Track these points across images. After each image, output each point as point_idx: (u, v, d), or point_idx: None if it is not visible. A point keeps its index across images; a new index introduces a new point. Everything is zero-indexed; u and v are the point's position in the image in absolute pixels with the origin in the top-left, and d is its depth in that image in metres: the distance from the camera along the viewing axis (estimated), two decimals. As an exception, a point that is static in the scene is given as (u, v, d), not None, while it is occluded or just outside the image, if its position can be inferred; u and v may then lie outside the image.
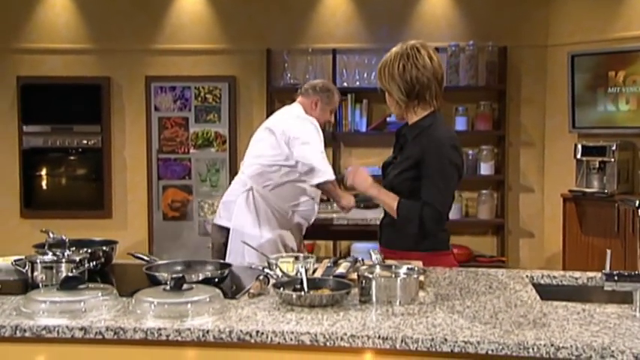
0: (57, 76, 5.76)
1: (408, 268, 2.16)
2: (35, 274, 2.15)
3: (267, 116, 5.75)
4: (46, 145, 5.82)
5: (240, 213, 3.62)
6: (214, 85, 5.77)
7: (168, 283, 1.95)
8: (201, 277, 2.12)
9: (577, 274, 2.48)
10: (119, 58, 5.82)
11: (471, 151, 5.73)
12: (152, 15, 5.81)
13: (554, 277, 2.46)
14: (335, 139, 5.78)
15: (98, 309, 1.89)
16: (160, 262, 2.33)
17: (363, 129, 5.75)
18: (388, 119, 5.69)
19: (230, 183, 5.70)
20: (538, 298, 2.12)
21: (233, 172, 5.80)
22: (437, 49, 5.66)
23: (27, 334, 1.78)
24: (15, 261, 2.26)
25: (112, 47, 5.81)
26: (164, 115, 5.78)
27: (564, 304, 2.04)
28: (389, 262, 2.31)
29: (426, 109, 2.52)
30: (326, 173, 3.55)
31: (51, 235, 2.55)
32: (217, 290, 1.98)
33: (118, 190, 5.84)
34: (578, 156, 5.29)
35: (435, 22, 5.83)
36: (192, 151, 5.78)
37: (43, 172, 5.89)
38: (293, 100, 6.02)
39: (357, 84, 5.77)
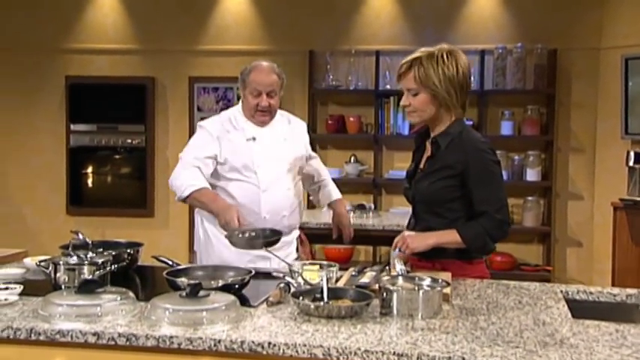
0: (103, 76, 5.86)
1: (431, 280, 2.09)
2: (58, 275, 2.16)
3: (309, 118, 5.74)
4: (92, 144, 5.93)
5: None
6: (257, 87, 5.76)
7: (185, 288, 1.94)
8: (221, 284, 2.08)
9: (615, 290, 2.36)
10: (164, 58, 5.88)
11: (517, 157, 5.58)
12: (197, 16, 5.85)
13: (591, 292, 2.34)
14: (377, 142, 5.71)
15: (114, 314, 1.89)
16: (182, 266, 2.31)
17: (406, 132, 5.66)
18: (432, 122, 5.59)
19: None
20: (569, 315, 2.02)
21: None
22: (483, 52, 5.69)
23: (41, 338, 1.78)
24: (40, 262, 2.28)
25: (157, 48, 5.88)
26: (206, 116, 5.71)
27: (597, 323, 1.93)
28: (414, 272, 2.24)
29: (450, 116, 2.43)
30: (177, 191, 2.89)
31: (80, 236, 2.58)
32: (234, 298, 1.95)
33: (161, 189, 5.90)
34: (631, 163, 5.07)
35: (482, 24, 5.69)
36: (233, 151, 5.78)
37: (89, 170, 6.01)
38: (334, 103, 6.03)
39: (399, 86, 5.66)
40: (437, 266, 2.47)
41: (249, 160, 2.96)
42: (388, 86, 5.69)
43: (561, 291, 2.32)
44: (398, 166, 5.76)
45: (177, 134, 5.87)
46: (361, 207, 4.64)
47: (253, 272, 2.20)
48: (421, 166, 2.54)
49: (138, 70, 5.87)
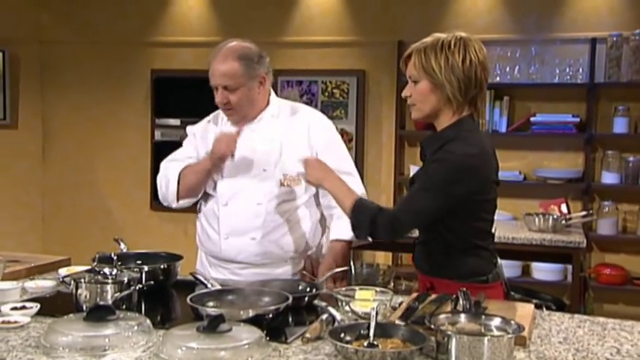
0: (188, 70, 5.74)
1: (502, 321, 1.70)
2: (79, 292, 1.95)
3: (397, 113, 5.36)
4: (176, 139, 5.82)
5: None
6: (342, 80, 5.46)
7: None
8: (251, 314, 1.79)
9: None
10: (247, 51, 5.68)
11: (632, 158, 4.96)
12: (281, 7, 5.61)
13: None
14: (470, 139, 5.25)
15: (122, 347, 1.65)
16: (213, 288, 2.04)
17: (503, 129, 5.17)
18: (533, 119, 5.08)
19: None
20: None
21: (359, 171, 5.44)
22: (594, 40, 5.10)
23: (35, 374, 1.57)
24: (64, 277, 2.09)
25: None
26: (289, 111, 5.56)
27: None
28: (477, 307, 1.86)
29: (452, 113, 2.07)
30: (165, 198, 2.59)
31: (122, 246, 2.39)
32: (260, 334, 1.65)
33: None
34: None
35: (594, 9, 5.10)
36: (316, 148, 5.51)
37: (173, 165, 5.91)
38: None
39: (497, 79, 5.19)
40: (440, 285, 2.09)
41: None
42: (484, 79, 5.22)
43: (673, 336, 1.87)
44: (494, 166, 5.29)
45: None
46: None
47: (291, 299, 1.90)
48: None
49: (221, 64, 5.70)
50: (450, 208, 2.02)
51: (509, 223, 4.55)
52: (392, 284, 2.74)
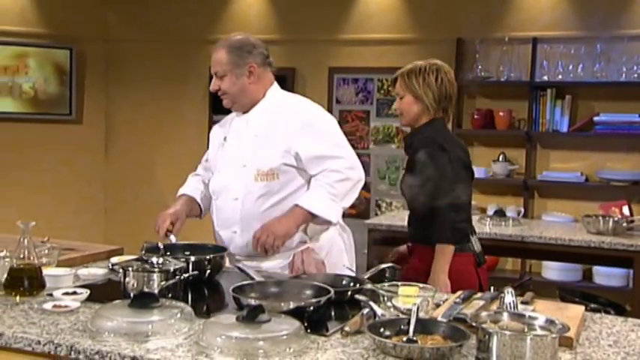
0: (245, 67, 5.81)
1: (547, 321, 1.65)
2: (127, 280, 2.00)
3: (454, 112, 5.27)
4: (233, 135, 5.90)
5: None
6: (399, 78, 5.42)
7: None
8: (292, 306, 1.80)
9: None
10: (304, 48, 5.71)
11: None
12: (339, 4, 5.61)
13: None
14: (529, 139, 5.13)
15: (164, 334, 1.68)
16: (257, 280, 2.06)
17: (565, 129, 5.03)
18: (596, 119, 4.92)
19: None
20: None
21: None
22: None
23: (80, 357, 1.61)
24: (114, 264, 2.14)
25: (298, 37, 5.71)
26: (345, 108, 5.57)
27: None
28: (524, 307, 1.82)
29: (428, 117, 2.72)
30: None
31: (171, 238, 2.44)
32: (298, 325, 1.66)
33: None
34: None
35: (664, 5, 4.91)
36: (371, 146, 5.49)
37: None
38: (483, 95, 5.49)
39: (559, 77, 5.06)
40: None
41: (214, 161, 2.62)
42: (546, 77, 5.09)
43: None
44: (554, 166, 5.16)
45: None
46: (499, 213, 4.13)
47: (332, 293, 1.89)
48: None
49: (278, 61, 5.57)
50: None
51: (568, 225, 4.42)
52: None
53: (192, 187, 2.72)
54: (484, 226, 3.94)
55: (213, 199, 2.59)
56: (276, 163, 2.42)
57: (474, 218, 4.27)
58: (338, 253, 2.58)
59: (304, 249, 2.48)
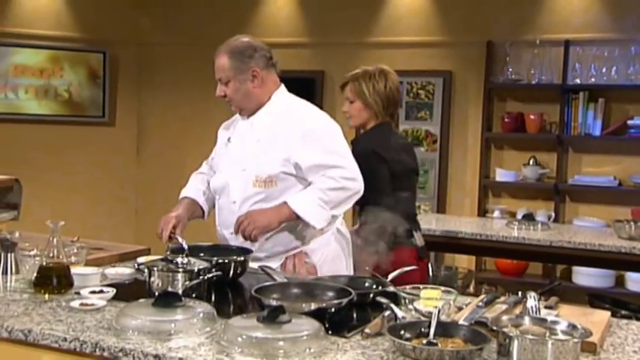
0: (275, 70, 5.84)
1: (569, 325, 1.64)
2: (152, 280, 2.03)
3: (483, 115, 5.24)
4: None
5: None
6: (428, 81, 5.40)
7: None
8: (313, 307, 1.81)
9: None
10: (333, 51, 5.72)
11: None
12: (369, 7, 5.61)
13: None
14: (561, 143, 5.07)
15: (187, 332, 1.70)
16: (279, 281, 2.08)
17: (597, 132, 4.96)
18: (630, 122, 4.85)
19: (439, 185, 5.37)
20: None
21: (443, 174, 5.41)
22: None
23: (105, 354, 1.64)
24: (139, 264, 2.18)
25: (328, 41, 5.73)
26: (374, 111, 5.55)
27: None
28: (548, 311, 1.80)
29: (376, 121, 2.92)
30: None
31: (179, 240, 2.42)
32: (318, 326, 1.67)
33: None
34: None
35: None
36: (400, 149, 5.47)
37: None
38: (513, 98, 5.42)
39: (592, 80, 4.99)
40: None
41: (219, 159, 2.66)
42: (578, 80, 5.03)
43: None
44: (586, 170, 5.09)
45: (344, 129, 5.68)
46: (528, 217, 4.08)
47: (354, 295, 1.90)
48: None
49: (308, 64, 5.78)
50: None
51: (599, 230, 4.36)
52: (471, 288, 2.68)
53: (194, 188, 2.75)
54: (512, 231, 3.91)
55: (216, 198, 2.62)
56: (275, 171, 2.43)
57: (502, 222, 4.28)
58: (334, 258, 2.55)
59: (297, 252, 2.49)
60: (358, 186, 2.46)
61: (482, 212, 5.19)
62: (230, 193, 2.51)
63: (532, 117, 5.09)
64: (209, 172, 2.76)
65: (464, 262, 5.13)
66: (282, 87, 2.60)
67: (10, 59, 5.80)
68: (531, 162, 5.11)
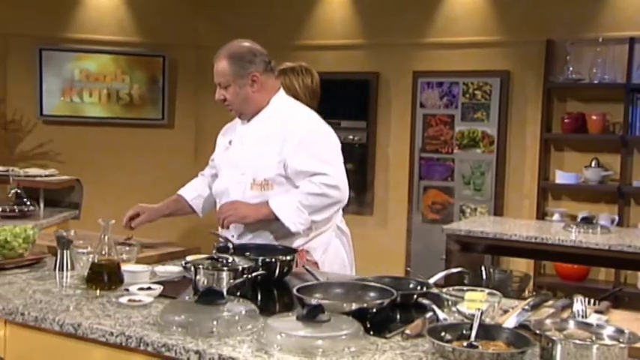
0: (329, 72, 5.83)
1: (615, 330, 1.58)
2: (198, 278, 2.07)
3: (542, 116, 5.12)
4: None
5: None
6: (484, 81, 5.31)
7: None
8: (354, 307, 1.80)
9: None
10: (388, 52, 5.69)
11: None
12: (425, 8, 5.56)
13: None
14: (625, 144, 4.90)
15: (229, 330, 1.72)
16: (322, 281, 2.08)
17: (645, 132, 4.78)
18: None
19: (496, 187, 5.28)
20: None
21: (500, 175, 5.31)
22: None
23: (149, 349, 1.68)
24: (186, 262, 2.22)
25: (382, 42, 5.71)
26: (429, 112, 5.50)
27: None
28: (598, 316, 1.74)
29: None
30: None
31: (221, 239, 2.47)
32: (358, 326, 1.67)
33: (380, 187, 5.74)
34: None
35: None
36: (456, 151, 5.40)
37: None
38: (574, 98, 5.27)
39: (646, 79, 4.81)
40: None
41: (220, 162, 2.72)
42: (642, 79, 4.86)
43: None
44: (651, 172, 4.91)
45: (399, 131, 5.67)
46: (587, 221, 3.95)
47: (396, 295, 1.89)
48: None
49: (362, 66, 5.77)
50: None
51: None
52: (527, 292, 2.61)
53: (188, 187, 2.92)
54: (569, 234, 3.80)
55: (217, 202, 2.67)
56: (272, 174, 2.50)
57: (559, 225, 4.17)
58: (335, 254, 2.63)
59: (299, 250, 2.50)
60: (340, 195, 2.49)
61: (542, 215, 5.06)
62: (230, 197, 2.58)
63: (594, 117, 4.94)
64: (209, 172, 2.87)
65: (522, 265, 5.02)
66: (281, 91, 2.64)
67: (76, 64, 6.01)
68: (593, 164, 4.96)
